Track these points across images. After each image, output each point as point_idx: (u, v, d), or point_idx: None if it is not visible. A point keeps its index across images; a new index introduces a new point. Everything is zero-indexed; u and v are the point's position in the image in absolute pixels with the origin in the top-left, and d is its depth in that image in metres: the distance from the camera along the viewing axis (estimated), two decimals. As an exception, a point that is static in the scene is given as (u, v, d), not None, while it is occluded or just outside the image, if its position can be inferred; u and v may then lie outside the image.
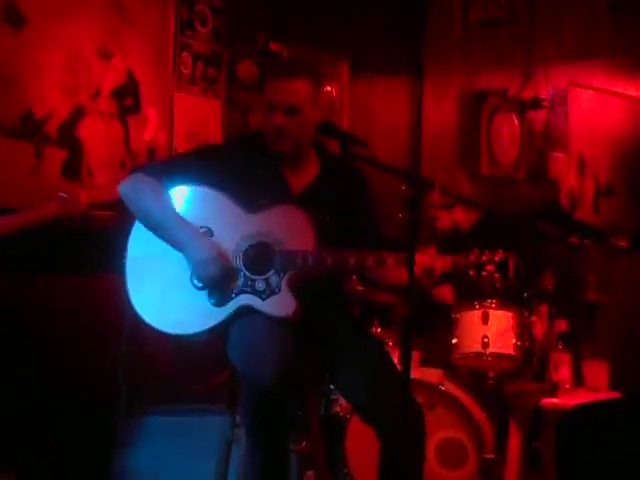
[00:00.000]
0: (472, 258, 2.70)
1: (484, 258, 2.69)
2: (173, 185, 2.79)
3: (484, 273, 2.68)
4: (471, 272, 2.70)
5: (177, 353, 3.28)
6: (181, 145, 4.47)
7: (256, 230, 2.75)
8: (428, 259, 2.69)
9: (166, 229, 2.75)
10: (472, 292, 3.87)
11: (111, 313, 3.67)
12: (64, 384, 3.76)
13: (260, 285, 2.73)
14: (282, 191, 2.82)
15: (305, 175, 2.87)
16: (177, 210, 2.77)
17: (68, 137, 4.03)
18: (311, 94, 2.77)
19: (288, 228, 2.74)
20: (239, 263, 2.75)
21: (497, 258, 2.68)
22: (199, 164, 2.81)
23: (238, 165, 2.81)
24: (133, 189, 2.79)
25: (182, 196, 2.80)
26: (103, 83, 4.16)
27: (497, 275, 2.68)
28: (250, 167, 2.81)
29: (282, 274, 2.72)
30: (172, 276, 2.76)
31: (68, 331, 3.85)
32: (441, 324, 4.01)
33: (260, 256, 2.73)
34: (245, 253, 2.75)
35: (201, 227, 2.77)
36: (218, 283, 2.73)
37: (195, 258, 2.72)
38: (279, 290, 2.72)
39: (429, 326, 4.12)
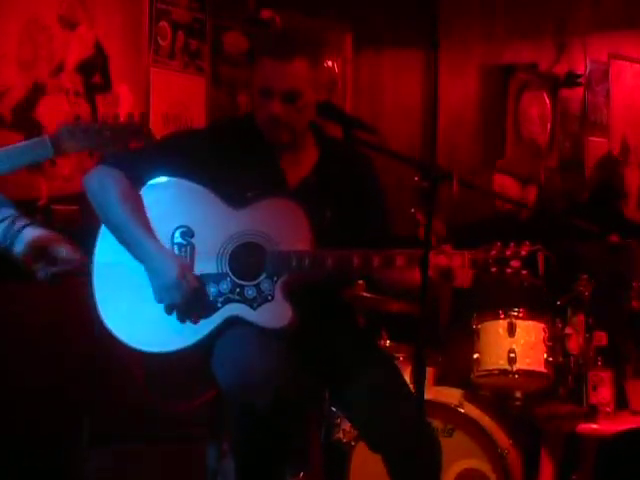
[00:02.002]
0: (494, 252, 2.68)
1: (508, 252, 2.67)
2: (148, 178, 2.79)
3: (509, 270, 2.66)
4: (493, 269, 2.68)
5: (151, 367, 3.26)
6: (159, 129, 4.45)
7: (244, 228, 2.75)
8: (444, 259, 2.67)
9: (128, 236, 2.74)
10: (495, 293, 3.84)
11: (70, 324, 3.64)
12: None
13: (250, 292, 2.72)
14: (276, 183, 2.82)
15: (303, 164, 2.87)
16: (147, 214, 2.76)
17: (25, 119, 4.02)
18: (312, 75, 2.77)
19: (280, 225, 2.74)
20: (225, 267, 2.74)
21: (524, 252, 2.66)
22: (178, 153, 2.81)
23: (224, 153, 2.81)
24: (99, 183, 2.79)
25: (159, 189, 2.80)
26: (67, 56, 4.16)
27: (524, 272, 2.66)
28: (239, 155, 2.81)
29: (275, 279, 2.72)
30: (146, 285, 2.74)
31: (21, 344, 3.83)
32: (460, 336, 4.00)
33: (249, 258, 2.73)
34: (232, 255, 2.75)
35: (180, 226, 2.77)
36: (182, 311, 2.72)
37: (157, 279, 2.71)
38: (272, 297, 2.71)
39: (446, 337, 4.11)
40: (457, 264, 2.68)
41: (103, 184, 2.77)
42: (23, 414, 3.75)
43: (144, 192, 2.80)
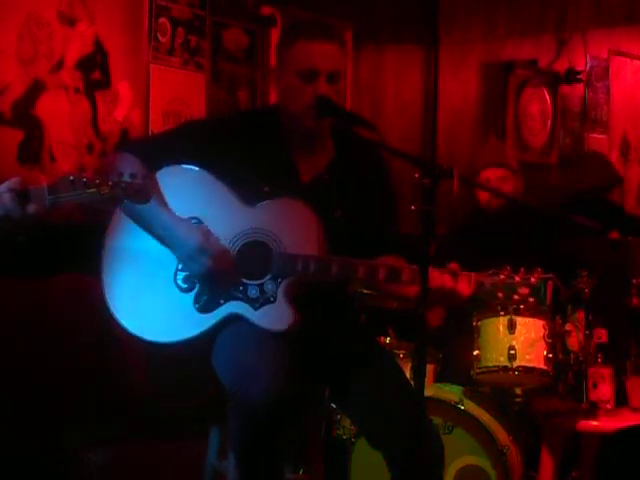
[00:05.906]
0: (502, 277, 2.64)
1: (517, 279, 2.64)
2: (163, 165, 2.76)
3: (516, 297, 2.64)
4: (499, 294, 2.65)
5: (153, 362, 3.24)
6: (158, 125, 4.47)
7: (253, 226, 2.74)
8: (449, 280, 2.63)
9: (146, 215, 2.70)
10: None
11: (72, 323, 3.62)
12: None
13: (253, 292, 2.71)
14: (289, 177, 2.80)
15: (317, 161, 2.84)
16: (164, 195, 2.73)
17: (25, 116, 4.02)
18: (344, 58, 2.79)
19: (290, 227, 2.72)
20: None
21: (533, 279, 2.63)
22: (194, 141, 2.79)
23: (239, 145, 2.79)
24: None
25: (170, 178, 2.76)
26: (66, 53, 4.16)
27: (532, 300, 2.63)
28: (253, 148, 2.79)
29: (279, 280, 2.70)
30: (153, 275, 2.74)
31: (21, 342, 3.81)
32: (460, 333, 3.98)
33: (256, 257, 2.71)
34: (239, 252, 2.73)
35: (191, 217, 2.75)
36: (213, 275, 2.68)
37: (181, 250, 2.68)
38: (274, 299, 2.70)
39: (446, 335, 4.09)
40: (462, 288, 2.64)
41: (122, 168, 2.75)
42: (23, 413, 3.74)
43: (160, 175, 2.75)
